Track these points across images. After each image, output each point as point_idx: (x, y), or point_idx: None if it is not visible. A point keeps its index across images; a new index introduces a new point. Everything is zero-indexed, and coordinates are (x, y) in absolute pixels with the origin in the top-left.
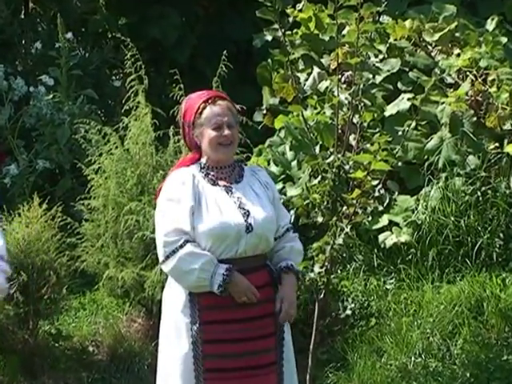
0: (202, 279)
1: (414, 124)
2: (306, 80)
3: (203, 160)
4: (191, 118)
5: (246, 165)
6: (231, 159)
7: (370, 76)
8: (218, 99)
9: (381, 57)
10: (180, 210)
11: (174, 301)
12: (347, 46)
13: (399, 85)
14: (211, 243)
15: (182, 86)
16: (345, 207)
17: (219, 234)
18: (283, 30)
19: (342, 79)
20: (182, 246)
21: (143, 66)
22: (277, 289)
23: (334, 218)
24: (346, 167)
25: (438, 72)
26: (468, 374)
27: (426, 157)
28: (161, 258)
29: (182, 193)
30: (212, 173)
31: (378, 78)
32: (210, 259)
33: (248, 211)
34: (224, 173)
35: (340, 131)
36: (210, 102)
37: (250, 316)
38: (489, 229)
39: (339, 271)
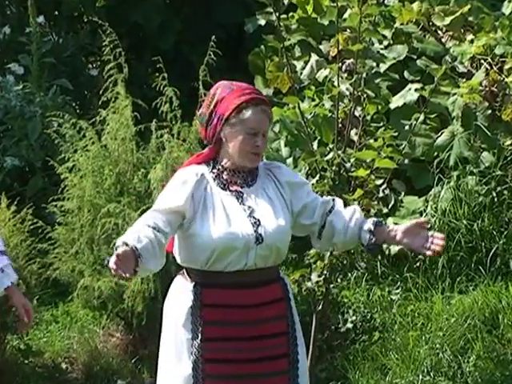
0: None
1: (422, 117)
2: (303, 69)
3: (223, 161)
4: (226, 113)
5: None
6: None
7: (374, 64)
8: (262, 103)
9: (386, 43)
10: (167, 206)
11: (174, 314)
12: (348, 31)
13: (406, 74)
14: (216, 255)
15: (165, 75)
16: None
17: (225, 246)
18: (278, 14)
19: (343, 68)
20: (144, 224)
21: (123, 53)
22: (288, 305)
23: None
24: (347, 165)
25: (449, 60)
26: None
27: (435, 154)
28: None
29: (179, 193)
30: (225, 176)
31: (383, 67)
32: (136, 230)
33: (259, 220)
34: (238, 177)
35: (340, 125)
36: (253, 103)
37: (260, 334)
38: (505, 233)
39: (339, 280)
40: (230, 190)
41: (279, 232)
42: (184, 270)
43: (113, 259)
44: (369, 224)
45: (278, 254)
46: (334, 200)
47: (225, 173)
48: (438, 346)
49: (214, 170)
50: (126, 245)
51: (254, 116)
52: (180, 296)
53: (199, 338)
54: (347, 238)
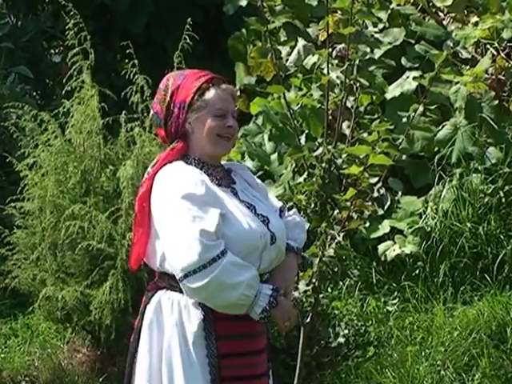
0: (245, 297)
1: (421, 108)
2: (289, 55)
3: (195, 154)
4: (187, 99)
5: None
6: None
7: (368, 50)
8: (221, 82)
9: (381, 26)
10: (209, 212)
11: (176, 331)
12: (339, 12)
13: (403, 60)
14: (240, 257)
15: (135, 61)
16: (336, 211)
17: (249, 246)
18: None
19: (333, 53)
20: (223, 253)
21: (88, 38)
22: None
23: (324, 224)
24: (338, 161)
25: (451, 45)
26: None
27: (436, 149)
28: (189, 269)
29: (206, 193)
30: (210, 171)
31: (378, 53)
32: (256, 274)
33: (267, 218)
34: (218, 172)
35: (330, 117)
36: (213, 83)
37: (261, 348)
38: None
39: (330, 289)
40: (225, 187)
41: (283, 230)
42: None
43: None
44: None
45: (281, 257)
46: (281, 211)
47: (203, 167)
48: (439, 362)
49: (198, 166)
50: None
51: (218, 95)
52: (183, 311)
53: (215, 354)
54: None
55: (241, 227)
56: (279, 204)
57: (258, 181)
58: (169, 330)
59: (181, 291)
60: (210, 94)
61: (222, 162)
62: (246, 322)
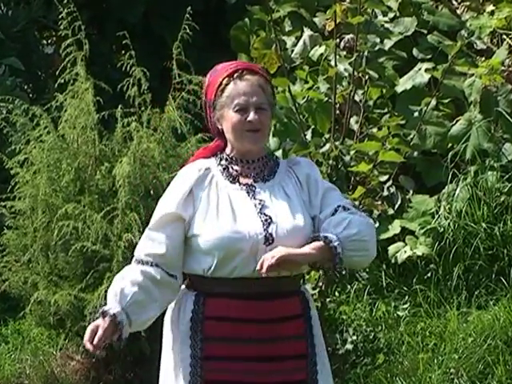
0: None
1: (434, 102)
2: (295, 45)
3: (227, 150)
4: (212, 97)
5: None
6: (262, 150)
7: (378, 40)
8: (246, 73)
9: (391, 15)
10: (162, 219)
11: (173, 330)
12: (347, 1)
13: (415, 52)
14: (219, 258)
15: (132, 53)
16: None
17: (230, 247)
18: None
19: (341, 44)
20: (135, 261)
21: (83, 28)
22: (307, 324)
23: None
24: (346, 158)
25: (466, 35)
26: None
27: (449, 145)
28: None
29: (172, 198)
30: (236, 167)
31: (388, 43)
32: (116, 291)
33: (270, 218)
34: (251, 168)
35: (338, 112)
36: (235, 76)
37: (273, 355)
38: None
39: (337, 293)
40: (240, 183)
41: (294, 233)
42: (188, 278)
43: (86, 336)
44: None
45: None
46: (335, 210)
47: (234, 164)
48: (452, 370)
49: (223, 162)
50: (104, 314)
51: (236, 90)
52: (180, 308)
53: (198, 355)
54: None
55: (219, 225)
56: (339, 203)
57: (311, 179)
58: (167, 326)
59: (185, 284)
60: (229, 88)
61: (283, 161)
62: (242, 326)
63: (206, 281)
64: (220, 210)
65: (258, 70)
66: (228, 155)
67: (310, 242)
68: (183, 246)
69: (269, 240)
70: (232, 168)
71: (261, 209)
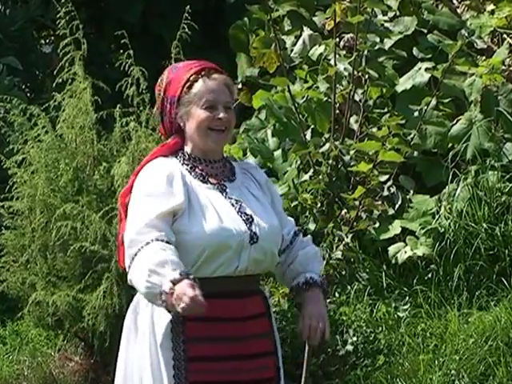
0: (152, 285)
1: (434, 102)
2: (294, 45)
3: (187, 149)
4: (176, 93)
5: (234, 161)
6: (221, 151)
7: (377, 39)
8: (213, 72)
9: (391, 14)
10: (161, 206)
11: (146, 332)
12: (347, 0)
13: (415, 51)
14: (206, 255)
15: (131, 52)
16: (344, 210)
17: (219, 244)
18: None
19: (341, 44)
20: (148, 244)
21: (81, 27)
22: (270, 321)
23: (331, 225)
24: (346, 158)
25: (466, 34)
26: None
27: (450, 145)
28: (126, 266)
29: (169, 186)
30: (200, 167)
31: (388, 43)
32: (166, 259)
33: (251, 217)
34: (215, 168)
35: (338, 111)
36: (203, 74)
37: (246, 353)
38: None
39: (337, 294)
40: (212, 183)
41: (273, 232)
42: None
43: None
44: (301, 279)
45: (272, 258)
46: (295, 235)
47: (199, 164)
48: (453, 371)
49: (187, 162)
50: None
51: (206, 86)
52: (155, 309)
53: (182, 357)
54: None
55: (207, 223)
56: (291, 224)
57: (271, 185)
58: (142, 329)
59: None
60: (198, 85)
61: (235, 163)
62: (222, 325)
63: None
64: (204, 209)
65: (222, 70)
66: (189, 154)
67: (304, 286)
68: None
69: (253, 238)
70: (198, 168)
71: (239, 208)
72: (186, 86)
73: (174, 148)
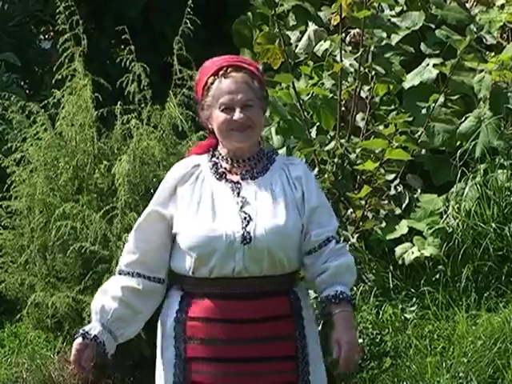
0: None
1: (442, 99)
2: (299, 40)
3: (219, 148)
4: (199, 97)
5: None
6: (254, 147)
7: (384, 35)
8: (231, 70)
9: (398, 9)
10: (147, 222)
11: (160, 331)
12: None
13: (423, 47)
14: (196, 257)
15: (132, 48)
16: (350, 210)
17: (203, 246)
18: None
19: (347, 39)
20: (117, 272)
21: (81, 22)
22: (297, 324)
23: None
24: (352, 156)
25: (475, 29)
26: None
27: (458, 143)
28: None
29: (157, 194)
30: (226, 165)
31: (395, 38)
32: (97, 306)
33: (249, 216)
34: (241, 166)
35: (343, 109)
36: (220, 74)
37: (257, 356)
38: None
39: None
40: (227, 180)
41: (274, 232)
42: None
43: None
44: (329, 292)
45: (272, 259)
46: (328, 240)
47: (225, 161)
48: (461, 374)
49: (213, 159)
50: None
51: (220, 89)
52: (168, 308)
53: (182, 356)
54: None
55: (196, 224)
56: (328, 226)
57: (308, 181)
58: (159, 326)
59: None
60: (214, 87)
61: (279, 158)
62: (222, 325)
63: (189, 280)
64: (200, 208)
65: (244, 65)
66: (220, 153)
67: (334, 300)
68: (168, 245)
69: (246, 239)
70: (220, 165)
71: (242, 207)
72: (205, 88)
73: (207, 147)
